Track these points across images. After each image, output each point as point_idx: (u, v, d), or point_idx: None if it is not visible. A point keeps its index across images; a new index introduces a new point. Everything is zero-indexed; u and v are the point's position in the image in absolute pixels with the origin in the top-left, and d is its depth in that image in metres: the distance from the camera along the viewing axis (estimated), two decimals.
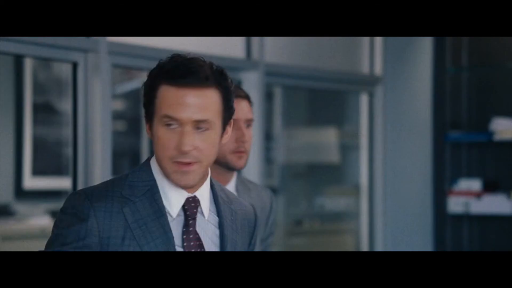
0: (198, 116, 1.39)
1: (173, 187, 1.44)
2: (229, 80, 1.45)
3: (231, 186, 1.94)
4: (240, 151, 1.89)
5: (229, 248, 1.46)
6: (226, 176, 1.92)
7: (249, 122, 1.93)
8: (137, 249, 1.39)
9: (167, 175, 1.42)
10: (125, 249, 1.39)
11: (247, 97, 1.94)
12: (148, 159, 1.48)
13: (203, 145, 1.40)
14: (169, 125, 1.39)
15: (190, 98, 1.39)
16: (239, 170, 1.94)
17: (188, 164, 1.40)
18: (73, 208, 1.41)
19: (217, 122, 1.42)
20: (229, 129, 1.46)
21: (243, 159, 1.91)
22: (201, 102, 1.40)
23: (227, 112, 1.44)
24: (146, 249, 1.39)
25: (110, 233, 1.39)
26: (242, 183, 2.00)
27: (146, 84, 1.44)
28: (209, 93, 1.41)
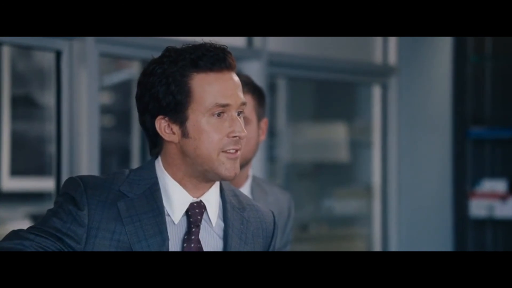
0: (242, 99, 1.45)
1: (177, 190, 1.45)
2: None
3: (245, 189, 1.92)
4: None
5: None
6: (240, 178, 1.90)
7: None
8: (127, 246, 1.40)
9: (211, 170, 1.43)
10: (113, 244, 1.40)
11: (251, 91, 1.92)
12: (152, 159, 1.49)
13: (244, 130, 1.45)
14: (219, 114, 1.42)
15: (232, 82, 1.44)
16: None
17: (237, 151, 1.44)
18: (67, 191, 1.45)
19: None
20: None
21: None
22: (238, 84, 1.46)
23: None
24: (136, 247, 1.40)
25: (99, 224, 1.41)
26: (259, 185, 1.98)
27: (167, 81, 1.43)
28: (236, 76, 1.47)
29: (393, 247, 3.75)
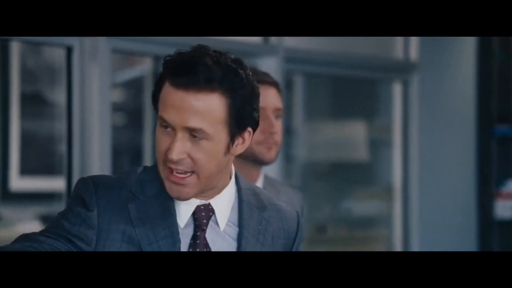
0: (191, 124, 1.38)
1: None
2: (246, 81, 1.41)
3: None
4: (269, 143, 1.89)
5: None
6: (251, 174, 1.91)
7: (278, 112, 1.93)
8: (137, 248, 1.41)
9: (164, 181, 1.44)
10: (124, 246, 1.41)
11: (275, 84, 1.95)
12: None
13: (198, 155, 1.39)
14: (165, 127, 1.41)
15: (186, 102, 1.38)
16: (268, 164, 1.92)
17: (182, 176, 1.40)
18: (77, 192, 1.45)
19: (219, 132, 1.40)
20: (247, 137, 1.44)
21: (273, 151, 1.91)
22: (198, 108, 1.39)
23: (238, 120, 1.41)
24: (147, 249, 1.41)
25: (109, 226, 1.42)
26: (271, 184, 1.99)
27: (156, 80, 1.46)
28: (211, 98, 1.39)
29: (415, 249, 3.73)
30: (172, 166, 1.39)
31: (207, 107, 1.38)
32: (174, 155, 1.38)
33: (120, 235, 1.41)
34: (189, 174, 1.40)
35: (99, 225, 1.41)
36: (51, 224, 1.44)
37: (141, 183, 1.44)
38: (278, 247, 1.49)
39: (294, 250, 1.52)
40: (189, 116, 1.38)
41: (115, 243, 1.41)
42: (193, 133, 1.39)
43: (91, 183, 1.44)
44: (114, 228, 1.41)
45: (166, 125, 1.40)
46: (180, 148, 1.39)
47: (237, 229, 1.46)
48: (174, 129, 1.39)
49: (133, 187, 1.44)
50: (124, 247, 1.41)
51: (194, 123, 1.38)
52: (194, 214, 1.44)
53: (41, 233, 1.42)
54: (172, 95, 1.39)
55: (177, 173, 1.40)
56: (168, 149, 1.39)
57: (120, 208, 1.42)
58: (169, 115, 1.39)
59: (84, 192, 1.43)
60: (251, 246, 1.45)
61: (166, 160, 1.40)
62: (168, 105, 1.39)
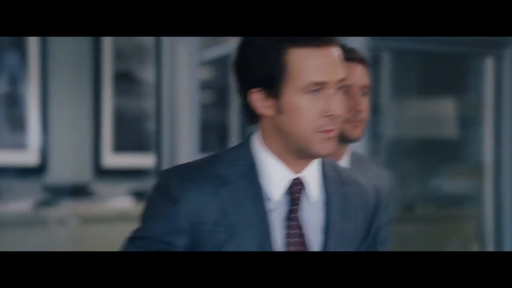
0: (343, 74, 1.43)
1: (278, 167, 1.45)
2: None
3: (343, 163, 1.92)
4: (355, 121, 1.88)
5: (334, 238, 1.46)
6: (337, 152, 1.91)
7: (364, 90, 1.92)
8: (230, 238, 1.41)
9: (305, 149, 1.42)
10: (218, 236, 1.41)
11: (362, 61, 1.93)
12: (249, 137, 1.49)
13: (343, 107, 1.44)
14: (314, 91, 1.41)
15: (333, 57, 1.42)
16: (354, 141, 1.92)
17: (333, 129, 1.43)
18: (163, 188, 1.43)
19: None
20: None
21: (359, 129, 1.90)
22: (339, 59, 1.43)
23: None
24: (240, 237, 1.41)
25: (202, 218, 1.40)
26: (358, 161, 1.98)
27: (262, 54, 1.42)
28: (337, 50, 1.44)
29: (507, 230, 3.64)
30: (329, 127, 1.40)
31: (340, 58, 1.44)
32: (342, 110, 1.41)
33: (212, 226, 1.40)
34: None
35: (192, 219, 1.40)
36: (141, 227, 1.43)
37: (228, 164, 1.43)
38: (360, 222, 1.49)
39: (375, 227, 1.52)
40: (339, 69, 1.42)
41: (209, 234, 1.40)
42: (338, 86, 1.42)
43: (177, 176, 1.42)
44: (206, 220, 1.40)
45: (319, 87, 1.40)
46: (341, 102, 1.42)
47: (324, 203, 1.47)
48: (326, 88, 1.41)
49: (220, 170, 1.42)
50: (219, 238, 1.40)
51: (343, 73, 1.43)
52: (289, 188, 1.45)
53: (133, 242, 1.42)
54: (317, 56, 1.40)
55: (331, 130, 1.42)
56: (327, 110, 1.40)
57: (210, 196, 1.41)
58: (325, 75, 1.40)
59: (172, 189, 1.41)
60: (336, 220, 1.46)
61: (324, 123, 1.40)
62: (319, 66, 1.40)
